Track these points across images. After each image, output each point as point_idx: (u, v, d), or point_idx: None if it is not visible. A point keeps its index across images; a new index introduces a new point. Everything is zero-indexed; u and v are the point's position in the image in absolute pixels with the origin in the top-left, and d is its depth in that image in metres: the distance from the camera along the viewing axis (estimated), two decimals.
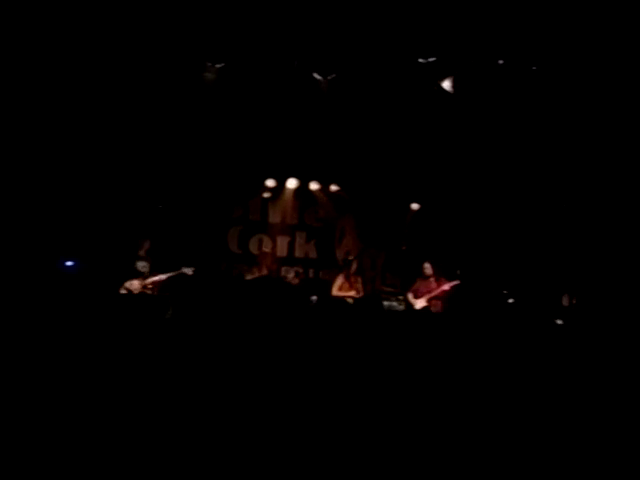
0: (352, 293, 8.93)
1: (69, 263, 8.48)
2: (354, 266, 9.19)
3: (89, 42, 7.89)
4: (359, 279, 9.20)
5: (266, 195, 10.27)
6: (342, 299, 8.85)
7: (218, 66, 8.60)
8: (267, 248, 10.08)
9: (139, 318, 7.15)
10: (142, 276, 8.15)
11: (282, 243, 10.49)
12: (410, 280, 9.27)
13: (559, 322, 7.80)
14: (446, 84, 8.36)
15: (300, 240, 10.60)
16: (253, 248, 10.29)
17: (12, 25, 7.43)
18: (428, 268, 8.87)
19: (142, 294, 8.01)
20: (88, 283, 8.18)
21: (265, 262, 9.37)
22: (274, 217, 10.47)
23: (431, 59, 7.98)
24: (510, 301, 8.67)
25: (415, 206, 10.29)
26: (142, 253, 8.34)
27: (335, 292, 9.02)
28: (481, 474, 3.19)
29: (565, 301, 8.32)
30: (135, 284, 8.05)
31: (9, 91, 7.84)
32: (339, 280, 9.13)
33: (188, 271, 8.21)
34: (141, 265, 8.25)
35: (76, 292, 7.89)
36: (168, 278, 8.22)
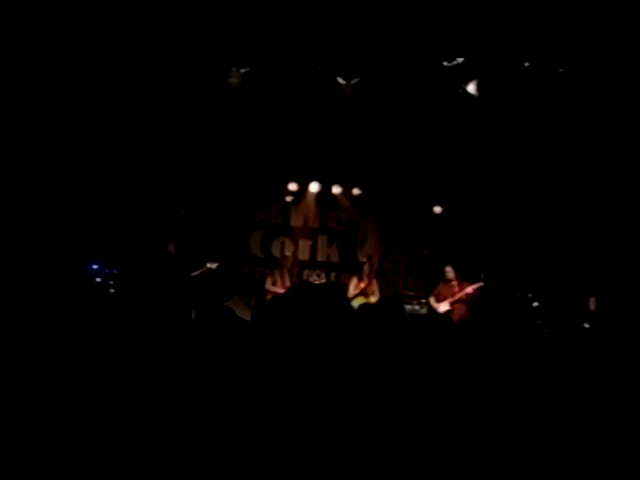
0: (362, 286, 8.90)
1: (94, 266, 8.57)
2: (366, 269, 9.14)
3: (114, 46, 7.98)
4: (375, 281, 9.18)
5: (288, 199, 10.30)
6: (365, 303, 8.82)
7: (242, 71, 8.67)
8: (289, 252, 10.08)
9: (163, 321, 7.19)
10: None
11: (304, 246, 10.51)
12: (432, 284, 9.23)
13: (586, 326, 7.72)
14: (471, 87, 8.34)
15: (322, 243, 10.60)
16: (275, 251, 10.30)
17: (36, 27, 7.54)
18: (450, 272, 8.81)
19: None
20: (113, 286, 8.26)
21: (287, 266, 9.38)
22: (296, 221, 10.49)
23: (457, 61, 7.95)
24: (535, 304, 8.60)
25: (438, 209, 10.27)
26: None
27: (351, 293, 9.00)
28: None
29: (592, 304, 8.20)
30: None
31: (41, 95, 7.98)
32: (353, 282, 9.12)
33: (212, 265, 8.22)
34: None
35: (101, 295, 7.98)
36: (193, 277, 8.24)
